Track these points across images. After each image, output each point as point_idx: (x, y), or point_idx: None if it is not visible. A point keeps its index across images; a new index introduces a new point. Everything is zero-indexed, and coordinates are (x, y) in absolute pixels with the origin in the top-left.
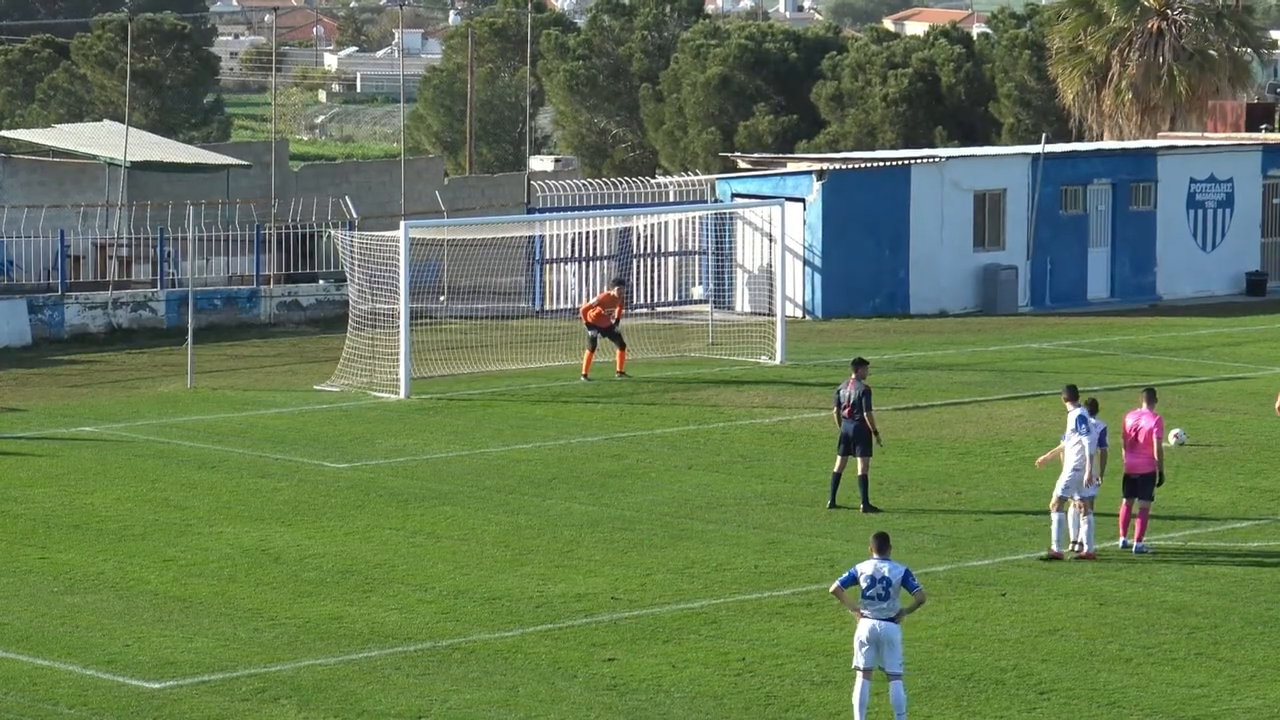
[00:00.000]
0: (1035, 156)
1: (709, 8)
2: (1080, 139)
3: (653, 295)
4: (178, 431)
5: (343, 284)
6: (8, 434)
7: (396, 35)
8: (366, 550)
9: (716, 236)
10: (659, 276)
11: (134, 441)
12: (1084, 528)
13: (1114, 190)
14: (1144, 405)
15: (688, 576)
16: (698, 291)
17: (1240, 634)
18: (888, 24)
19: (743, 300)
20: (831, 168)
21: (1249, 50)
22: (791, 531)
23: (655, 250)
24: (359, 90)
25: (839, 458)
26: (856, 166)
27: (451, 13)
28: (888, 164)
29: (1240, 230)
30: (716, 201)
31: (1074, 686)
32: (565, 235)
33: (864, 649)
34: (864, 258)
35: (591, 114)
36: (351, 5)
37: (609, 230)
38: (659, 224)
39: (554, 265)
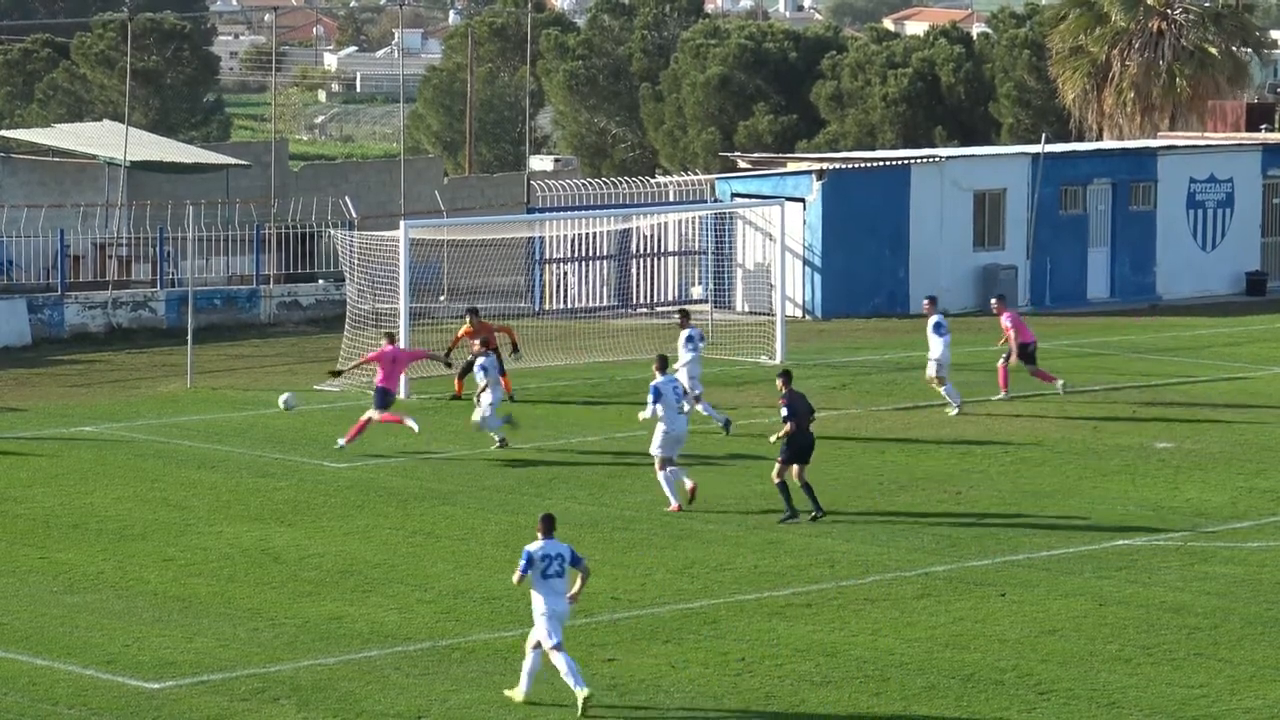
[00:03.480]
0: (1035, 156)
1: (709, 7)
2: (1080, 139)
3: (653, 295)
4: (178, 431)
5: (342, 284)
6: (8, 434)
7: (396, 35)
8: (366, 550)
9: (716, 236)
10: (659, 276)
11: (134, 441)
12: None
13: (1114, 190)
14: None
15: (688, 576)
16: (697, 291)
17: (1240, 634)
18: (888, 24)
19: (742, 300)
20: (831, 168)
21: (1249, 50)
22: (791, 531)
23: (655, 250)
24: (359, 90)
25: (787, 465)
26: (856, 166)
27: (451, 12)
28: (888, 164)
29: (1240, 230)
30: (716, 201)
31: (1074, 686)
32: (565, 235)
33: (551, 622)
34: (864, 258)
35: (591, 114)
36: (351, 5)
37: (609, 230)
38: (659, 224)
39: (554, 265)
